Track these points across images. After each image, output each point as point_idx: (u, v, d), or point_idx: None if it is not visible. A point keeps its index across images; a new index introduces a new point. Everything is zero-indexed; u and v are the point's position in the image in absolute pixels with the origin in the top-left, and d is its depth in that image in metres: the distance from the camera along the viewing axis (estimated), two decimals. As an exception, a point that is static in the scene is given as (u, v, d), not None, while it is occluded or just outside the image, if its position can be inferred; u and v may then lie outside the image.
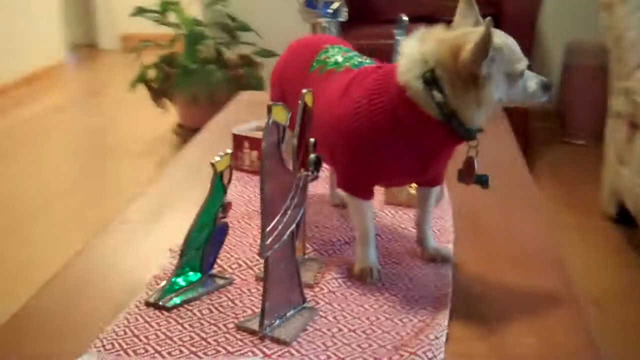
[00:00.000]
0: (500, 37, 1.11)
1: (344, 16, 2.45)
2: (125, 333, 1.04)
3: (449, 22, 1.16)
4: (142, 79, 3.82)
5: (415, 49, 1.13)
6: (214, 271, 1.21)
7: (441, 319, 1.06)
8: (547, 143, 3.93)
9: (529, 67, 1.15)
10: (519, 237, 1.37)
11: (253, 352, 0.99)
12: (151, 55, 3.96)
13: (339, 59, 1.28)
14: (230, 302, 1.13)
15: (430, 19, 1.30)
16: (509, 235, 1.38)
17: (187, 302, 1.13)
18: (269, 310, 1.04)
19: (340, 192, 1.32)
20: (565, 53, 3.87)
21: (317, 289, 1.16)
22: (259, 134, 1.67)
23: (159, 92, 3.85)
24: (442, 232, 1.36)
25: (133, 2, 4.03)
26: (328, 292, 1.15)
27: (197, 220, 1.14)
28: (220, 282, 1.19)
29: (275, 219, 1.02)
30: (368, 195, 1.21)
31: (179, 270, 1.15)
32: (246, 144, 1.68)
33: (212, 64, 3.89)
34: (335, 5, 2.34)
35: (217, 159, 1.13)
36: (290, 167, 1.06)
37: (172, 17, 3.89)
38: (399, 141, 1.13)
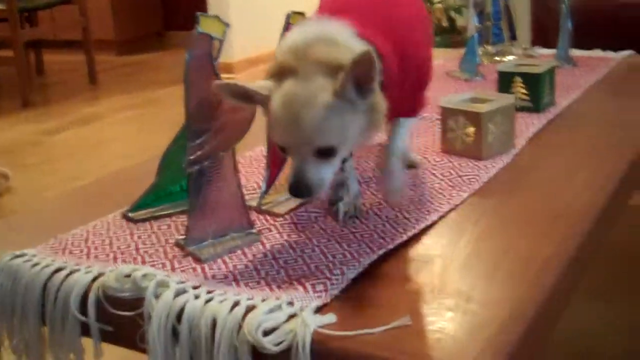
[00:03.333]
0: None
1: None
2: (81, 235, 1.10)
3: None
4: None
5: None
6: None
7: (365, 259, 0.95)
8: None
9: None
10: (556, 194, 1.16)
11: (163, 265, 0.99)
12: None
13: None
14: (194, 222, 1.13)
15: None
16: (547, 191, 1.18)
17: (157, 218, 1.15)
18: (195, 227, 1.02)
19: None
20: None
21: (281, 219, 1.11)
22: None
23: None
24: (471, 182, 1.21)
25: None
26: (289, 224, 1.10)
27: (178, 135, 1.15)
28: (205, 205, 1.19)
29: (205, 135, 1.00)
30: None
31: (155, 188, 1.17)
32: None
33: (445, 32, 3.81)
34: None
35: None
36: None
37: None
38: None
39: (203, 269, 0.96)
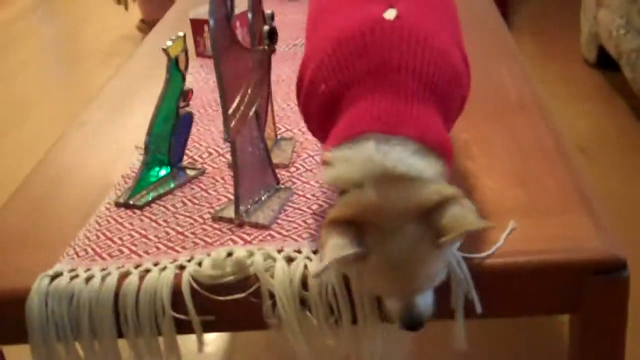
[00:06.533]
0: None
1: None
2: (98, 237, 1.00)
3: None
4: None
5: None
6: (184, 163, 1.16)
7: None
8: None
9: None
10: (497, 89, 1.31)
11: (233, 240, 0.96)
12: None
13: None
14: (204, 193, 1.09)
15: None
16: (487, 88, 1.32)
17: (158, 197, 1.08)
18: (243, 196, 1.00)
19: None
20: None
21: (292, 169, 1.12)
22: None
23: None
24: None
25: None
26: (305, 171, 1.11)
27: (157, 112, 1.08)
28: (192, 173, 1.14)
29: (237, 100, 0.97)
30: None
31: (146, 166, 1.10)
32: (206, 29, 1.59)
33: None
34: None
35: (169, 43, 1.06)
36: (242, 42, 0.99)
37: None
38: None
39: (272, 235, 0.95)
